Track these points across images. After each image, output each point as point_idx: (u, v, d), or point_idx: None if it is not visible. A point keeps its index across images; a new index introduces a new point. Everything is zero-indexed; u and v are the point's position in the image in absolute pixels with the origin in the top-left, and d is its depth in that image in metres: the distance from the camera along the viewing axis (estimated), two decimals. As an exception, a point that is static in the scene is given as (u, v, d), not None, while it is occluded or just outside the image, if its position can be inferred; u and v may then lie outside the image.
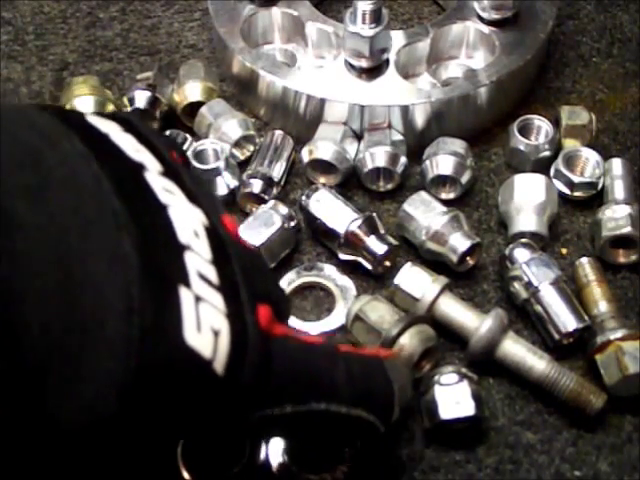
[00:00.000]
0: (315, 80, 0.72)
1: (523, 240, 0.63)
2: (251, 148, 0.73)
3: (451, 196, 0.69)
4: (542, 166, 0.70)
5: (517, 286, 0.62)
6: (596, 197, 0.69)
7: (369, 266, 0.64)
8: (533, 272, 0.61)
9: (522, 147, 0.70)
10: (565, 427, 0.58)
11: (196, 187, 0.42)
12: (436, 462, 0.57)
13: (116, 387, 0.33)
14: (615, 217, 0.65)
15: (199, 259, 0.38)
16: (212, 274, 0.38)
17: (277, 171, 0.70)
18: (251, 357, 0.39)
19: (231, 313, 0.38)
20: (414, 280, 0.61)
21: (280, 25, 0.78)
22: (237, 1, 0.78)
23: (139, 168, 0.39)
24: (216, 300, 0.38)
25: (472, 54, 0.77)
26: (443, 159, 0.68)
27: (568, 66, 0.80)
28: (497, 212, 0.68)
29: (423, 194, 0.66)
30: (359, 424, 0.46)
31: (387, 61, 0.72)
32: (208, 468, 0.53)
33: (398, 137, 0.70)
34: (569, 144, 0.71)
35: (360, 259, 0.64)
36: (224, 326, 0.38)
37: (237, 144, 0.72)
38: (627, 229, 0.64)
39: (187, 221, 0.39)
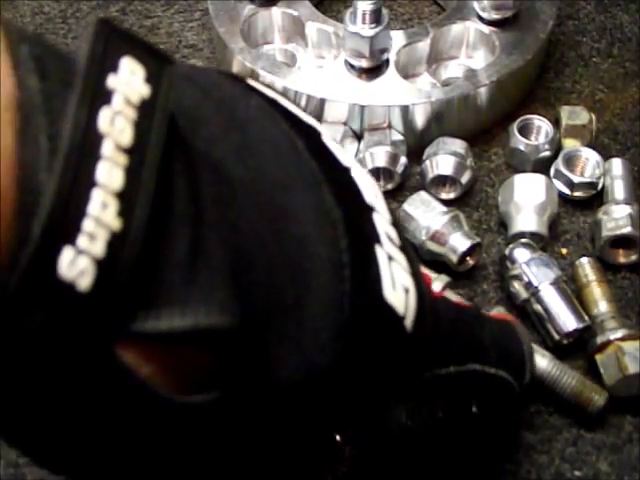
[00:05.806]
0: (315, 80, 0.72)
1: (523, 240, 0.63)
2: (251, 148, 0.72)
3: (451, 196, 0.69)
4: (542, 166, 0.70)
5: (517, 286, 0.62)
6: (596, 197, 0.69)
7: (369, 266, 0.64)
8: (533, 272, 0.61)
9: (522, 147, 0.70)
10: (565, 427, 0.58)
11: None
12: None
13: (331, 340, 0.33)
14: (615, 217, 0.64)
15: (383, 220, 0.38)
16: (394, 235, 0.38)
17: (277, 171, 0.69)
18: (429, 315, 0.40)
19: (413, 272, 0.39)
20: (414, 280, 0.61)
21: (280, 25, 0.78)
22: (237, 1, 0.77)
23: (316, 131, 0.39)
24: (401, 259, 0.38)
25: (472, 54, 0.77)
26: (443, 159, 0.68)
27: (568, 66, 0.80)
28: (497, 212, 0.68)
29: (423, 194, 0.66)
30: (502, 385, 0.47)
31: (387, 61, 0.72)
32: None
33: (398, 137, 0.70)
34: (569, 144, 0.71)
35: (360, 259, 0.64)
36: (411, 284, 0.38)
37: (237, 144, 0.71)
38: (627, 229, 0.64)
39: (368, 182, 0.39)
